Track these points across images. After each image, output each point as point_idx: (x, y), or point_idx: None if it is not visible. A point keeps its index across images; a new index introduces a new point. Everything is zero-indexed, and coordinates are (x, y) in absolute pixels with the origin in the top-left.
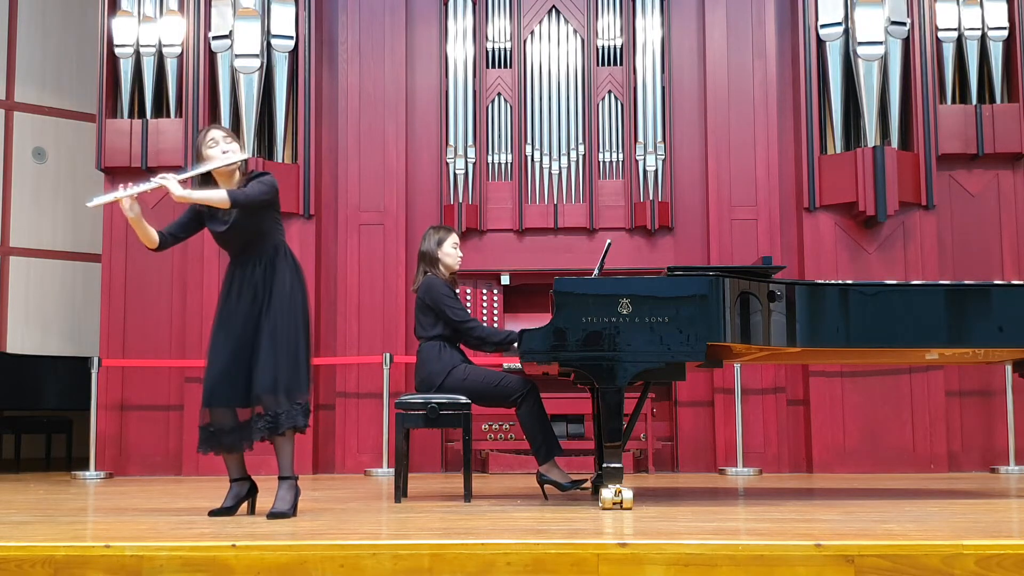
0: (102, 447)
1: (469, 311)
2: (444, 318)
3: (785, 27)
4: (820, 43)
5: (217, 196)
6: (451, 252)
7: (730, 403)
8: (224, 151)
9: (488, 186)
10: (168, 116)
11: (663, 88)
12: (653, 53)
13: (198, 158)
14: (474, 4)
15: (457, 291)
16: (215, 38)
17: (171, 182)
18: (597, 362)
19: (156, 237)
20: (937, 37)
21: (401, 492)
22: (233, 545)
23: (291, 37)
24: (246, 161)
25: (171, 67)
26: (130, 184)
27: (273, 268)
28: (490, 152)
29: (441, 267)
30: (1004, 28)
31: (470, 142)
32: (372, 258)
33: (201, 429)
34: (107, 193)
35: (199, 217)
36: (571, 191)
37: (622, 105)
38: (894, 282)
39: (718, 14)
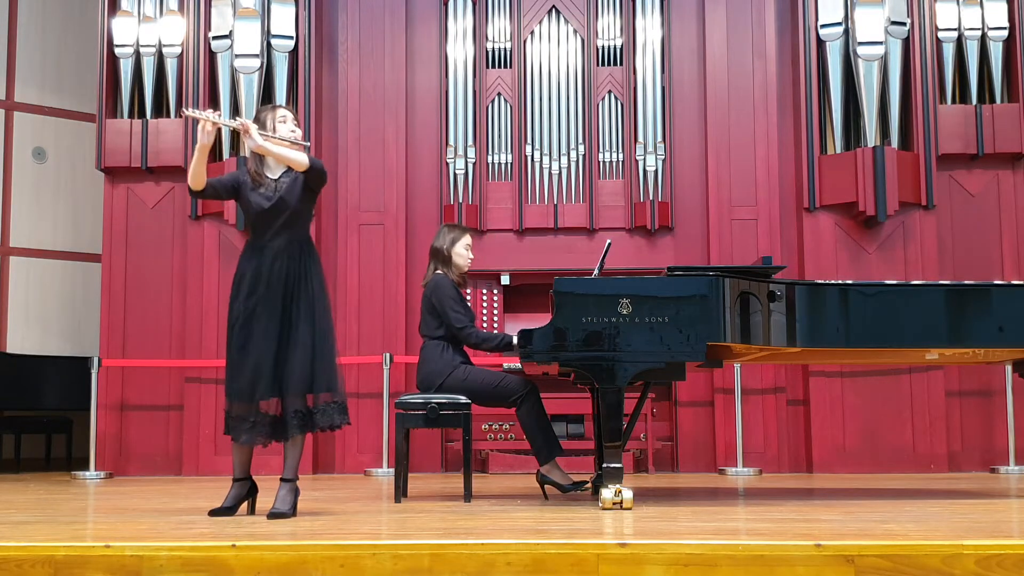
0: (102, 447)
1: (473, 315)
2: (446, 321)
3: (785, 27)
4: (820, 43)
5: (297, 156)
6: (463, 253)
7: (730, 403)
8: (292, 130)
9: (488, 186)
10: (168, 116)
11: (663, 88)
12: (653, 53)
13: (261, 127)
14: (474, 4)
15: (468, 292)
16: (215, 38)
17: (254, 129)
18: (597, 362)
19: (205, 178)
20: (937, 37)
21: (401, 492)
22: (233, 545)
23: (291, 37)
24: (307, 147)
25: (171, 67)
26: (219, 114)
27: (308, 257)
28: (490, 152)
29: (452, 267)
30: (1004, 28)
31: (470, 142)
32: (372, 258)
33: (239, 420)
34: (201, 110)
35: (236, 186)
36: (571, 191)
37: (622, 105)
38: (894, 282)
39: (718, 14)
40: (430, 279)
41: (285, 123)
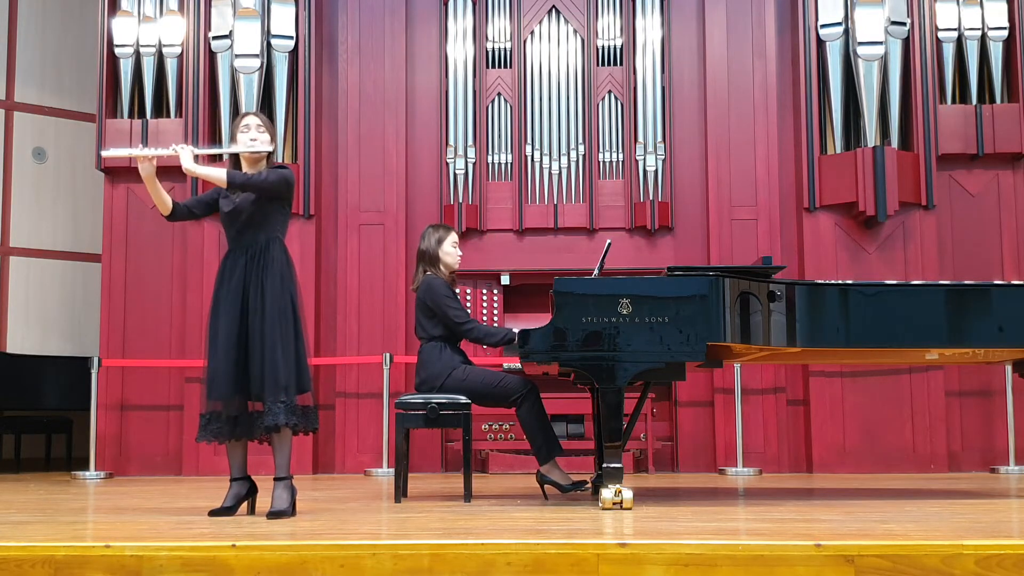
0: (102, 447)
1: (469, 311)
2: (444, 319)
3: (785, 27)
4: (820, 43)
5: (217, 175)
6: (451, 251)
7: (730, 403)
8: (253, 139)
9: (488, 186)
10: (168, 116)
11: (663, 88)
12: (653, 53)
13: (232, 140)
14: (474, 4)
15: (457, 291)
16: (215, 38)
17: (184, 153)
18: (597, 362)
19: (169, 203)
20: (937, 37)
21: (401, 492)
22: (233, 545)
23: (291, 37)
24: (272, 153)
25: (171, 67)
26: (148, 146)
27: (263, 260)
28: (490, 152)
29: (441, 266)
30: (1004, 28)
31: (470, 142)
32: (372, 258)
33: (201, 417)
34: (124, 148)
35: (216, 198)
36: (571, 191)
37: (622, 105)
38: (894, 282)
39: (718, 14)
40: (421, 281)
41: (247, 131)
